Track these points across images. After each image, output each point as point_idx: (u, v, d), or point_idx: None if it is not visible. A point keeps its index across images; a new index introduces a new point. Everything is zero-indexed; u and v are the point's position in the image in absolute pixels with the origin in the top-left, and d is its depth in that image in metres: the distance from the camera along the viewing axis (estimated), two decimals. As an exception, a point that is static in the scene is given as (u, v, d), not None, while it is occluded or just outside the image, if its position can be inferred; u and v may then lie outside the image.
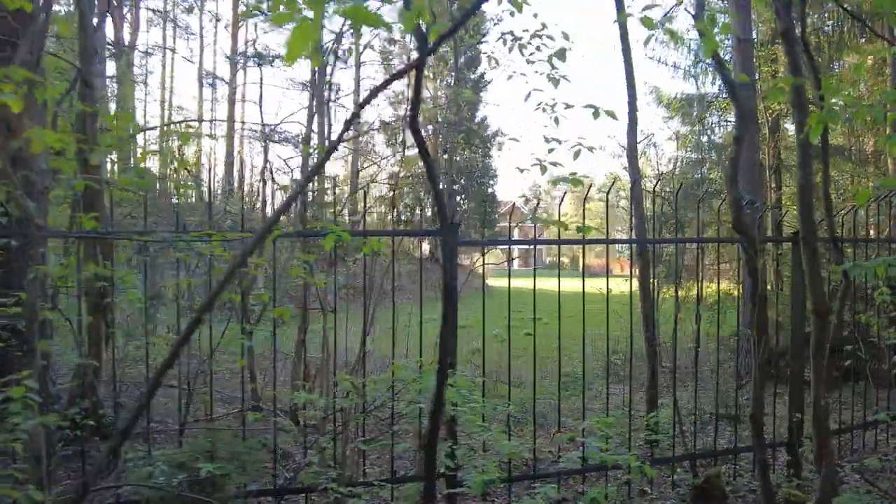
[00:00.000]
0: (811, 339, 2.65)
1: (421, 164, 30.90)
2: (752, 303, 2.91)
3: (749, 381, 8.21)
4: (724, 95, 12.75)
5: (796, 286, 3.61)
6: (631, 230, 5.34)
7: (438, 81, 30.95)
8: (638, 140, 4.84)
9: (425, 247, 32.00)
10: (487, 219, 31.10)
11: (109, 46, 15.76)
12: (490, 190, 33.05)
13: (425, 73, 30.94)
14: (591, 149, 2.51)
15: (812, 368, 2.60)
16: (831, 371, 3.71)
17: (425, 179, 29.31)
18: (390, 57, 27.84)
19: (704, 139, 13.98)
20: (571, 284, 7.16)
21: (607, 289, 3.80)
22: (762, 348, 2.59)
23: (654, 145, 10.51)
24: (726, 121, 12.93)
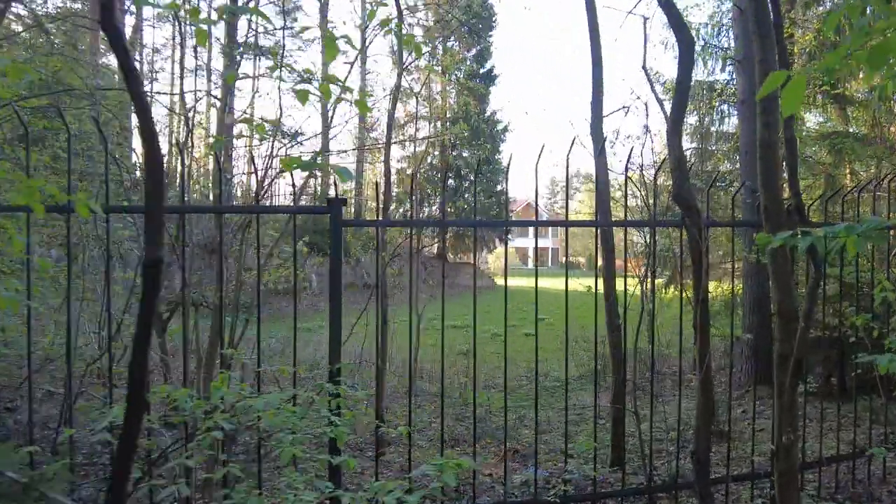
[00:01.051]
0: (774, 350, 1.93)
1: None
2: (695, 298, 2.21)
3: (747, 390, 7.40)
4: (733, 83, 11.88)
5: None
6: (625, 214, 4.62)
7: (447, 75, 30.33)
8: (647, 127, 4.16)
9: (426, 242, 31.37)
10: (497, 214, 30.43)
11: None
12: (499, 187, 32.31)
13: (432, 66, 30.26)
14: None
15: (775, 390, 1.88)
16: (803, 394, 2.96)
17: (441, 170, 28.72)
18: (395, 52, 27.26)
19: (713, 129, 13.13)
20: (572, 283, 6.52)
21: (529, 283, 3.09)
22: (701, 361, 1.87)
23: (648, 130, 9.64)
24: (735, 109, 12.03)
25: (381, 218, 3.82)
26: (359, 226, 3.41)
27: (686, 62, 2.23)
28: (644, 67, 3.14)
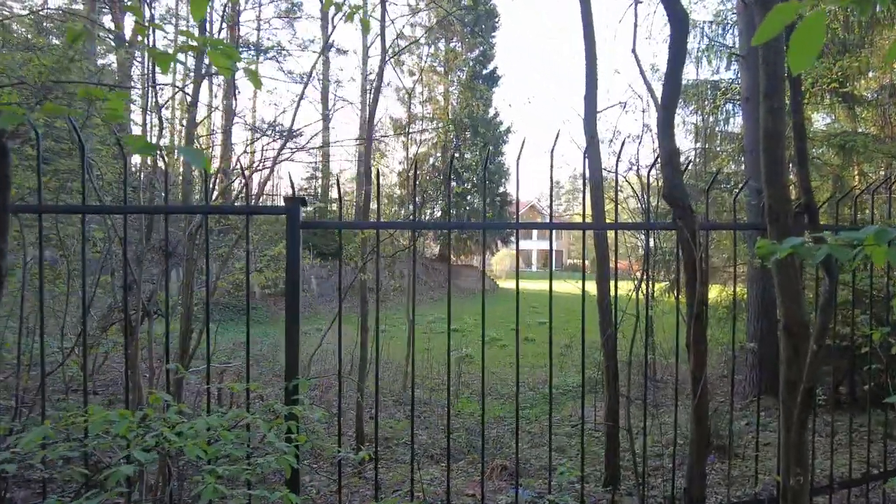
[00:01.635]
0: (781, 373, 1.65)
1: (433, 160, 30.14)
2: (689, 312, 1.93)
3: (753, 399, 7.09)
4: (738, 82, 11.59)
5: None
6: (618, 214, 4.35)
7: (449, 76, 30.20)
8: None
9: (432, 245, 31.10)
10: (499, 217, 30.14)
11: (109, 37, 15.25)
12: (501, 189, 32.07)
13: (436, 67, 30.01)
14: None
15: (781, 421, 1.60)
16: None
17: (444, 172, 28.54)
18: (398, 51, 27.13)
19: (718, 129, 12.85)
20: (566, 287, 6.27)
21: (531, 285, 2.81)
22: (700, 387, 1.60)
23: (648, 128, 9.39)
24: (740, 108, 11.74)
25: (381, 219, 3.53)
26: (318, 227, 3.12)
27: (678, 38, 1.94)
28: (634, 51, 2.88)
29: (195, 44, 1.06)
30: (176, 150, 0.91)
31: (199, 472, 1.75)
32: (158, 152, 2.40)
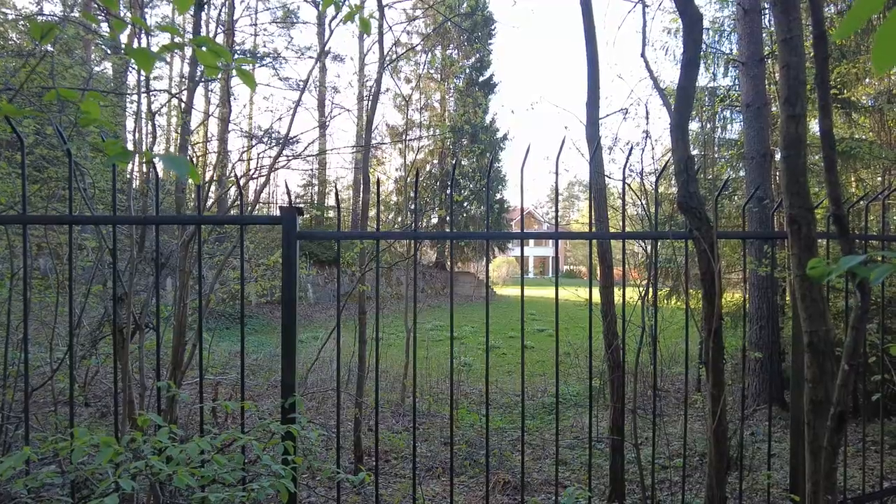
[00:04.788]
0: (805, 393, 1.57)
1: (430, 168, 30.09)
2: (706, 327, 1.85)
3: (758, 408, 7.00)
4: (736, 88, 11.60)
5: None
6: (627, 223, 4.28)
7: (446, 84, 30.29)
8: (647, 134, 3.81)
9: (430, 252, 31.01)
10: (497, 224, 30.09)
11: (104, 47, 15.16)
12: (498, 195, 32.08)
13: (433, 74, 30.04)
14: None
15: (807, 445, 1.51)
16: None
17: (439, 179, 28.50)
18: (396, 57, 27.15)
19: (716, 136, 12.84)
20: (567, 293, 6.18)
21: (528, 292, 2.72)
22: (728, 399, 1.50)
23: (648, 135, 9.41)
24: (739, 114, 11.74)
25: (377, 228, 3.46)
26: (315, 238, 3.00)
27: (693, 36, 1.84)
28: (643, 55, 2.81)
29: (179, 40, 0.98)
30: (157, 159, 0.82)
31: (189, 500, 1.64)
32: (144, 159, 2.31)
